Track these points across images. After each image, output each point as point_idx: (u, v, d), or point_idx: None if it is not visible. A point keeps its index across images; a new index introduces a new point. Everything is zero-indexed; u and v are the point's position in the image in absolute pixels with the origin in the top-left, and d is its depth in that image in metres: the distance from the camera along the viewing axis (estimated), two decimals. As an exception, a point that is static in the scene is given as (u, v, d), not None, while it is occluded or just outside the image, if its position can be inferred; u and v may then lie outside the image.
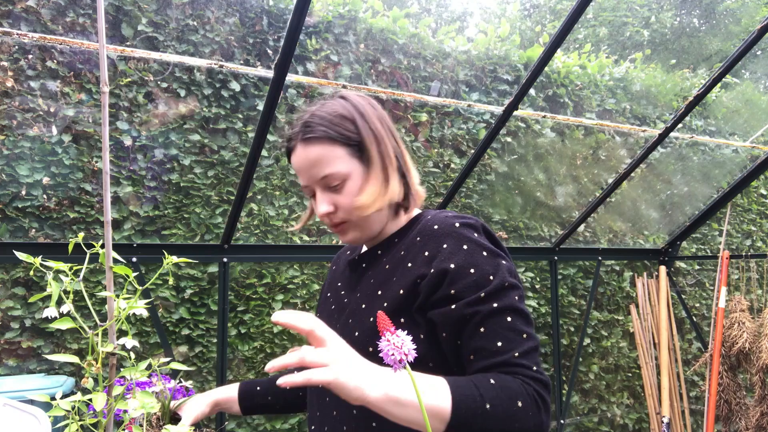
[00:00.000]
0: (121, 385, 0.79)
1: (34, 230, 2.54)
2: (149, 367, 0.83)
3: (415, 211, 1.10)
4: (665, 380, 3.46)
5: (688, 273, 4.46)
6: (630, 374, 4.15)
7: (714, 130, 4.50)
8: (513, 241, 3.69)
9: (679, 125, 3.07)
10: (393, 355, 0.67)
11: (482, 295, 0.88)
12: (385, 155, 1.00)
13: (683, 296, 4.17)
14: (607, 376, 4.05)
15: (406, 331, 0.87)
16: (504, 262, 0.92)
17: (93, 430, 0.75)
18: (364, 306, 0.99)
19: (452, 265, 0.90)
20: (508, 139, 3.63)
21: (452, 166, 3.51)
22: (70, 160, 2.58)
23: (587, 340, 3.94)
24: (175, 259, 0.84)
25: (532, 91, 3.60)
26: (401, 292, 0.94)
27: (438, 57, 3.47)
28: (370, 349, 0.92)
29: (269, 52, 3.00)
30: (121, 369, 0.93)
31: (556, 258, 3.46)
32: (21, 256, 0.75)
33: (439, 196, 3.43)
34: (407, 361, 0.67)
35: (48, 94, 2.54)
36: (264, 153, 2.96)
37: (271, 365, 0.75)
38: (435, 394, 0.80)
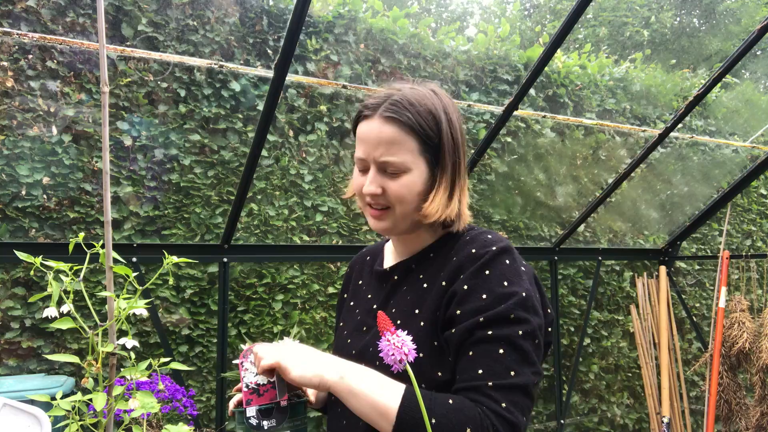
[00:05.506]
0: (121, 385, 0.79)
1: (34, 230, 2.54)
2: (149, 367, 0.83)
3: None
4: (665, 380, 3.46)
5: (688, 273, 4.46)
6: (630, 374, 4.14)
7: (714, 130, 4.50)
8: (513, 241, 3.69)
9: (679, 125, 3.07)
10: (393, 355, 0.67)
11: (481, 319, 0.86)
12: (457, 168, 0.98)
13: (683, 296, 4.16)
14: (607, 376, 4.04)
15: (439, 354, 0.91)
16: (523, 294, 0.88)
17: (93, 430, 0.75)
18: (399, 322, 0.97)
19: (465, 287, 0.89)
20: (508, 139, 3.63)
21: (452, 166, 3.50)
22: (70, 160, 2.58)
23: (587, 340, 3.94)
24: (175, 259, 0.84)
25: (532, 91, 3.59)
26: (434, 311, 0.93)
27: (438, 57, 3.47)
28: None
29: (269, 52, 3.00)
30: (121, 369, 0.93)
31: (556, 258, 3.46)
32: (21, 256, 0.75)
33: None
34: (407, 361, 0.67)
35: (48, 94, 2.54)
36: (264, 153, 2.96)
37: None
38: (388, 393, 0.83)
